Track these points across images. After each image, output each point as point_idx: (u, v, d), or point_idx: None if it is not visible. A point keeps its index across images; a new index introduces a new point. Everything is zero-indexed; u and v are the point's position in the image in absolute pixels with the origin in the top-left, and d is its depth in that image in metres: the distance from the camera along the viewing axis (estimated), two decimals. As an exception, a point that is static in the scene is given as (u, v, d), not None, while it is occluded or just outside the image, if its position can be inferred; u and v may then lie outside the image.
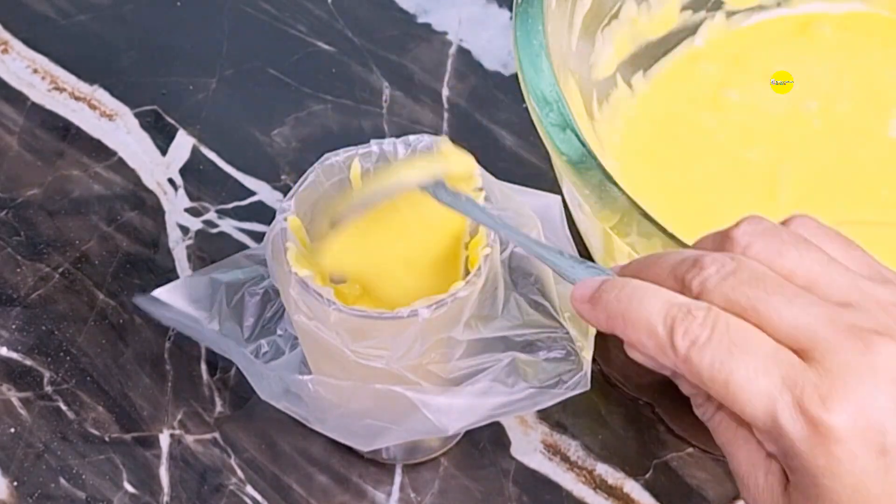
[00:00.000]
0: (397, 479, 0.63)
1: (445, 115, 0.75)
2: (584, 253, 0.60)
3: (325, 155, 0.56)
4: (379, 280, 0.54)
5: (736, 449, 0.42)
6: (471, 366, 0.54)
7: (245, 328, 0.59)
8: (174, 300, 0.59)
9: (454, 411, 0.54)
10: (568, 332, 0.56)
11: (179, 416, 0.65)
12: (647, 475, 0.63)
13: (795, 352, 0.40)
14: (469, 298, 0.52)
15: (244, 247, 0.70)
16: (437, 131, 0.74)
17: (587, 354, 0.56)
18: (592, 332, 0.57)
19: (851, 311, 0.41)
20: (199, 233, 0.71)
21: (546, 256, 0.47)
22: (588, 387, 0.55)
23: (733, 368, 0.40)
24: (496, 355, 0.55)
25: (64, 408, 0.65)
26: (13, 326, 0.68)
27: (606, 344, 0.67)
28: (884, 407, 0.39)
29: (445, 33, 0.79)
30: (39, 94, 0.76)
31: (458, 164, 0.51)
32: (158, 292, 0.60)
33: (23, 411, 0.65)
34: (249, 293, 0.59)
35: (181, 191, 0.73)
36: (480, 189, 0.53)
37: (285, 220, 0.54)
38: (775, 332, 0.40)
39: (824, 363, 0.40)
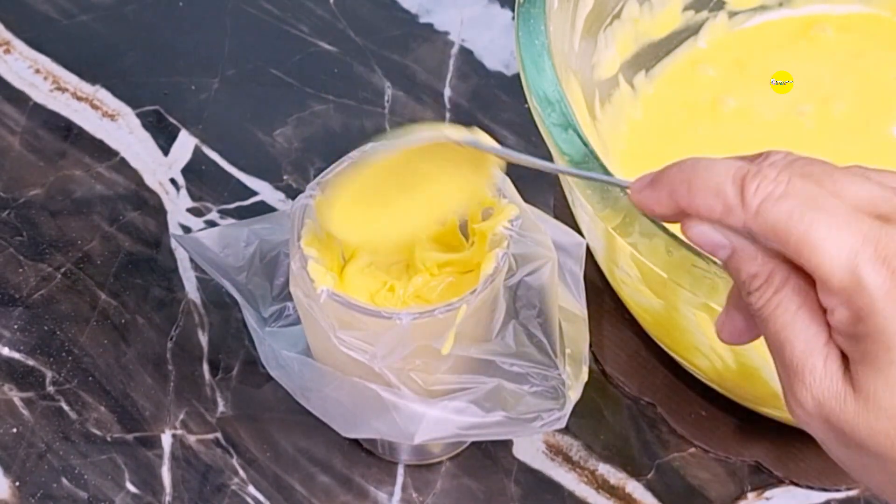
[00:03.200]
0: (399, 479, 0.63)
1: (447, 115, 0.75)
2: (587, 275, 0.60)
3: (369, 143, 0.56)
4: (375, 245, 0.54)
5: (794, 334, 0.41)
6: (454, 382, 0.54)
7: (275, 286, 0.59)
8: (213, 245, 0.60)
9: (424, 421, 0.54)
10: (559, 373, 0.56)
11: (181, 416, 0.65)
12: (649, 475, 0.63)
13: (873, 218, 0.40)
14: (458, 314, 0.52)
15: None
16: (439, 131, 0.74)
17: (573, 395, 0.56)
18: (584, 376, 0.57)
19: None
20: (201, 233, 0.71)
21: (590, 177, 0.46)
22: (563, 425, 0.55)
23: (812, 220, 0.39)
24: (482, 378, 0.55)
25: (66, 408, 0.65)
26: (15, 326, 0.68)
27: (609, 344, 0.67)
28: None
29: (447, 33, 0.79)
30: (41, 94, 0.76)
31: (485, 138, 0.51)
32: (200, 234, 0.60)
33: (25, 411, 0.65)
34: (285, 253, 0.59)
35: (183, 191, 0.73)
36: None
37: (312, 197, 0.54)
38: (853, 199, 0.40)
39: None
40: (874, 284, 0.38)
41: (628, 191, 0.45)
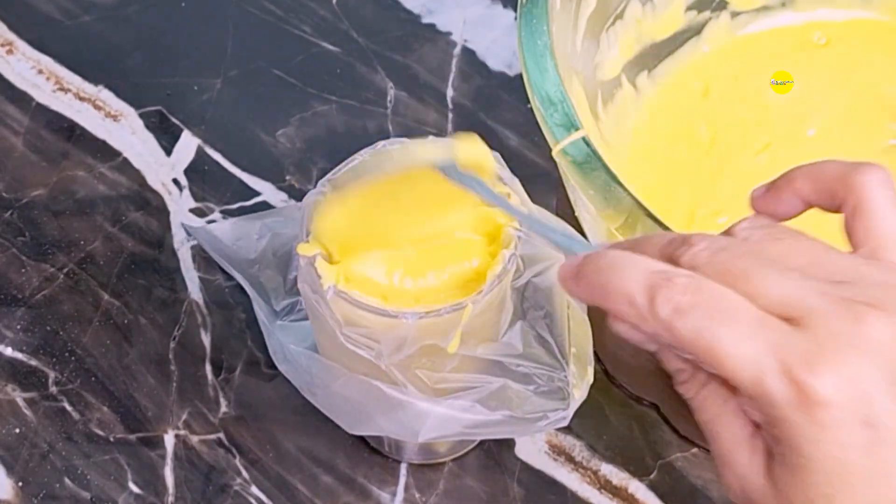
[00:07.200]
0: (402, 479, 0.63)
1: (450, 115, 0.75)
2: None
3: (379, 142, 0.56)
4: (363, 254, 0.54)
5: (721, 427, 0.41)
6: (460, 381, 0.54)
7: (288, 280, 0.59)
8: (225, 237, 0.60)
9: (429, 419, 0.54)
10: (566, 375, 0.56)
11: (184, 417, 0.65)
12: (652, 475, 0.63)
13: (784, 320, 0.39)
14: (464, 314, 0.52)
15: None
16: (441, 132, 0.74)
17: (578, 394, 0.56)
18: (589, 377, 0.57)
19: (846, 286, 0.40)
20: (203, 233, 0.71)
21: (548, 235, 0.47)
22: (567, 423, 0.55)
23: (718, 334, 0.39)
24: (488, 378, 0.55)
25: (69, 408, 0.65)
26: (18, 327, 0.68)
27: (611, 345, 0.67)
28: (871, 378, 0.38)
29: (450, 34, 0.79)
30: (44, 94, 0.77)
31: (470, 149, 0.51)
32: (212, 226, 0.60)
33: (28, 412, 0.65)
34: None
35: (186, 191, 0.73)
36: (500, 180, 0.54)
37: (322, 194, 0.54)
38: (765, 301, 0.40)
39: (813, 330, 0.39)
40: (779, 396, 0.39)
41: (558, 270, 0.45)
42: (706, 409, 0.42)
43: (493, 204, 0.50)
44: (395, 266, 0.54)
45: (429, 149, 0.50)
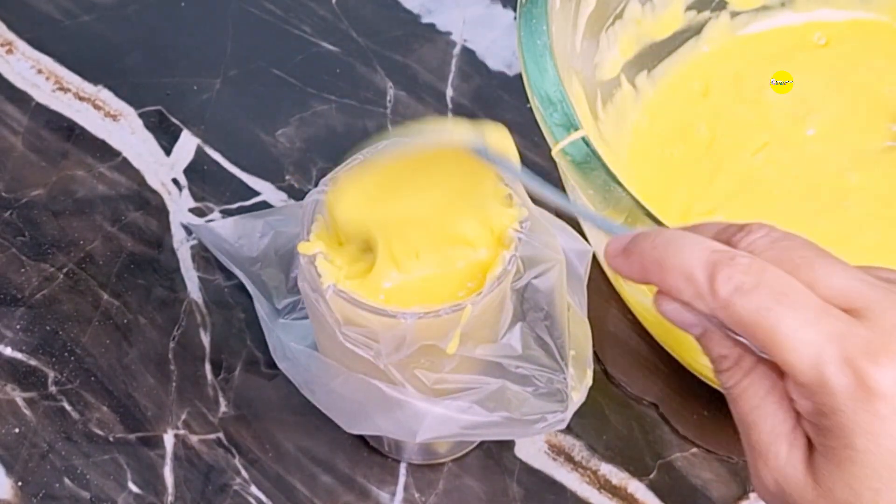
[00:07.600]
0: (401, 479, 0.63)
1: (449, 115, 0.75)
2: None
3: (382, 142, 0.56)
4: (385, 236, 0.54)
5: (760, 418, 0.41)
6: (459, 382, 0.54)
7: (290, 278, 0.59)
8: (228, 235, 0.60)
9: (427, 419, 0.54)
10: (564, 377, 0.56)
11: (184, 417, 0.65)
12: (652, 475, 0.63)
13: (845, 311, 0.39)
14: (463, 315, 0.52)
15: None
16: (441, 132, 0.74)
17: (577, 397, 0.56)
18: (588, 380, 0.57)
19: None
20: (203, 233, 0.71)
21: (585, 214, 0.46)
22: (565, 426, 0.55)
23: (780, 316, 0.39)
24: (487, 379, 0.55)
25: (68, 408, 0.65)
26: (18, 326, 0.68)
27: (611, 345, 0.67)
28: None
29: (450, 33, 0.79)
30: (44, 94, 0.77)
31: (499, 139, 0.51)
32: (214, 224, 0.60)
33: (27, 411, 0.65)
34: None
35: (185, 191, 0.73)
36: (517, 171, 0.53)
37: (323, 193, 0.54)
38: (826, 291, 0.40)
39: (876, 322, 0.39)
40: (837, 384, 0.39)
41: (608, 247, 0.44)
42: (747, 400, 0.41)
43: (529, 185, 0.49)
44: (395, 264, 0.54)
45: (459, 131, 0.50)
